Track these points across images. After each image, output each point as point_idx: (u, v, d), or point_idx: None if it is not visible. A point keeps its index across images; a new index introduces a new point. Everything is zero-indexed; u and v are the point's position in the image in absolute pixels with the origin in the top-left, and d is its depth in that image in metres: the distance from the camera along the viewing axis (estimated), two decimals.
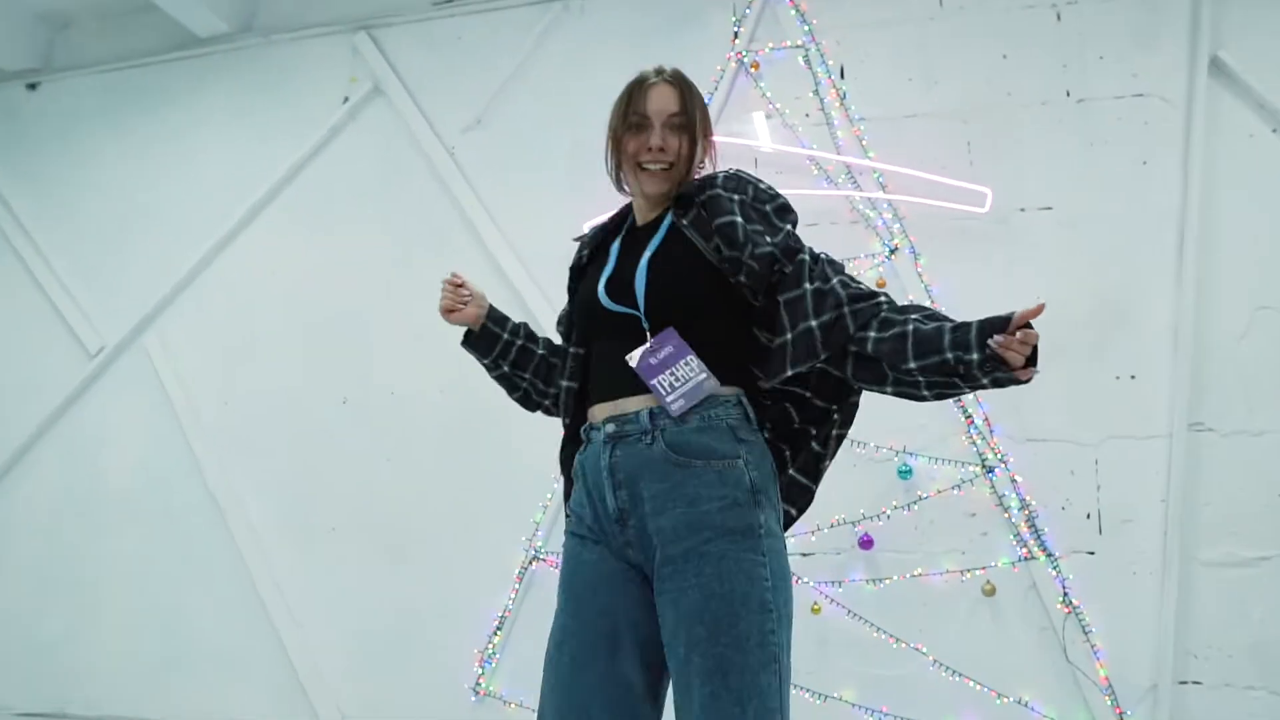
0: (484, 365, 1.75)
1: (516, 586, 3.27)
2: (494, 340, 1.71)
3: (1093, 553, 2.93)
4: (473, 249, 3.60)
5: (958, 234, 3.13)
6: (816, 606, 3.00)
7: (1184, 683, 2.80)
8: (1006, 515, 2.96)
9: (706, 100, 3.32)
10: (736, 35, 3.48)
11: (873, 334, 1.41)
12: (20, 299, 4.05)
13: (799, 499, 1.57)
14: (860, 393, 1.55)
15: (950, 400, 2.72)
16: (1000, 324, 1.32)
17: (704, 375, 1.45)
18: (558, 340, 1.76)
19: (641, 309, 1.48)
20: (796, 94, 3.40)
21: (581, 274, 1.65)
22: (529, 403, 1.78)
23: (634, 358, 1.47)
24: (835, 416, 1.55)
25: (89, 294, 4.00)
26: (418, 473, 3.49)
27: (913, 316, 1.40)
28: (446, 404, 3.51)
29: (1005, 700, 2.86)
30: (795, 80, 3.40)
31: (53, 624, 3.73)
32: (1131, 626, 2.85)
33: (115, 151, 4.08)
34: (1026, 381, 1.34)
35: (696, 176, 1.61)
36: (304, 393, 3.65)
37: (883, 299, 1.45)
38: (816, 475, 1.57)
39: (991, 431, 3.01)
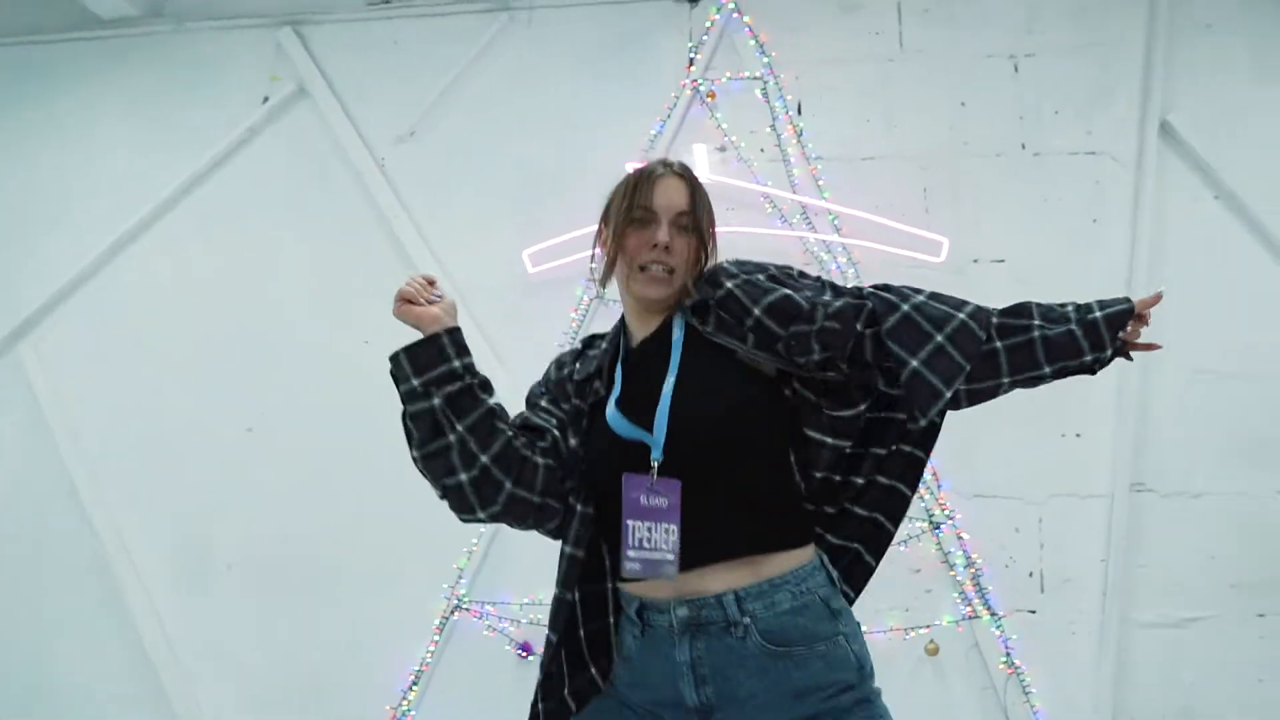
0: (405, 391, 1.35)
1: (436, 638, 3.14)
2: (437, 359, 1.33)
3: (1034, 611, 3.01)
4: (401, 270, 3.47)
5: (914, 282, 3.16)
6: None
7: None
8: (952, 573, 3.02)
9: (658, 128, 3.41)
10: (692, 62, 3.47)
11: (999, 343, 1.37)
12: None
13: (861, 582, 1.45)
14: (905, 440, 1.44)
15: None
16: (1123, 315, 1.37)
17: (672, 558, 1.29)
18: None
19: (660, 440, 1.32)
20: (752, 127, 3.41)
21: (577, 415, 1.46)
22: (451, 481, 1.36)
23: (630, 483, 1.31)
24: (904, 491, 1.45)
25: None
26: (329, 510, 3.31)
27: (1034, 322, 1.38)
28: (364, 437, 3.34)
29: None
30: (752, 113, 3.41)
31: None
32: (1070, 687, 2.94)
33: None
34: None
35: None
36: (205, 417, 3.44)
37: (981, 304, 1.42)
38: (881, 554, 1.45)
39: (940, 486, 3.07)
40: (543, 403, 1.51)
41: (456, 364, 1.35)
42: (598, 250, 1.50)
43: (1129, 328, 1.38)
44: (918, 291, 1.43)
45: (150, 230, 3.63)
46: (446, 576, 3.18)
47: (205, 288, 3.55)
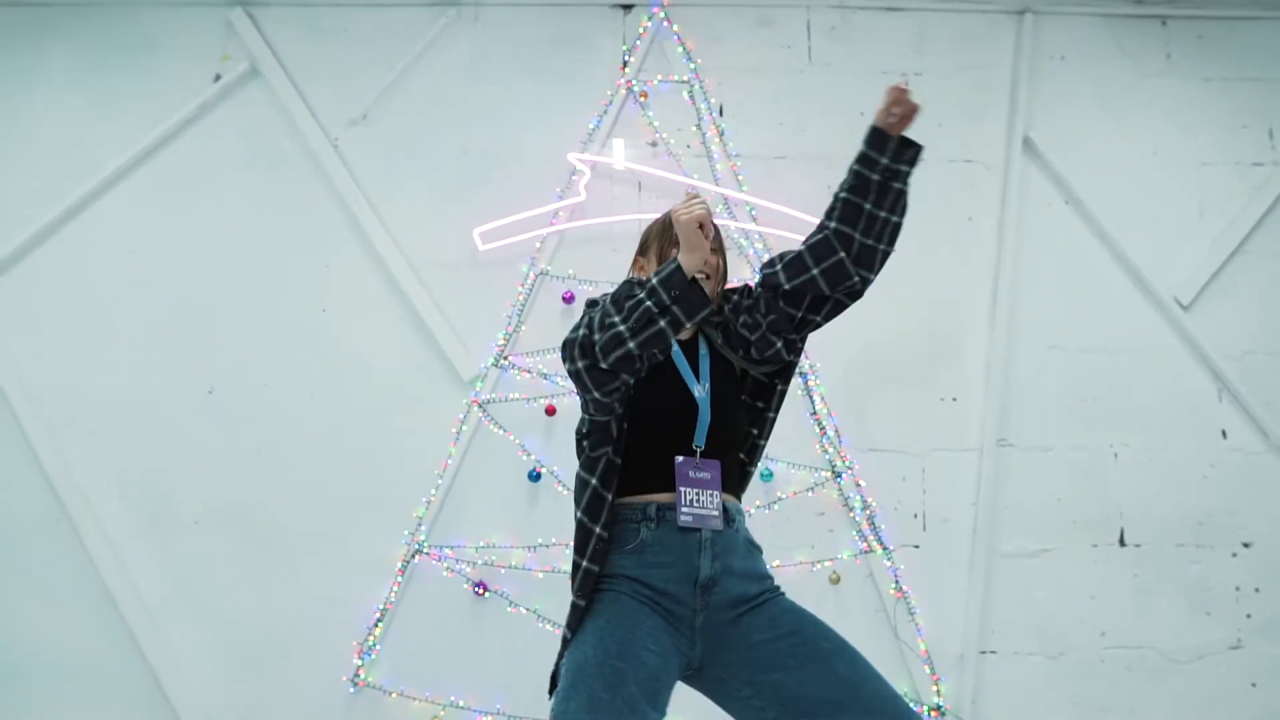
0: (657, 301, 1.72)
1: (399, 580, 3.57)
2: (697, 302, 1.74)
3: (918, 546, 3.69)
4: (355, 245, 3.85)
5: None
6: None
7: (984, 652, 3.60)
8: (850, 514, 3.67)
9: (595, 123, 3.91)
10: (626, 64, 3.98)
11: (830, 222, 1.83)
12: None
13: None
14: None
15: (814, 399, 3.39)
16: (873, 131, 1.80)
17: (718, 514, 1.84)
18: None
19: (702, 438, 1.88)
20: (680, 126, 3.95)
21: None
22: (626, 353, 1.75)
23: (681, 463, 1.84)
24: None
25: None
26: (291, 466, 3.67)
27: (837, 195, 1.84)
28: (322, 397, 3.73)
29: None
30: (680, 113, 3.96)
31: None
32: (947, 607, 3.63)
33: None
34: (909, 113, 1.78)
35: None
36: (164, 382, 3.73)
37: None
38: None
39: (840, 442, 3.70)
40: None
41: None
42: (635, 274, 2.01)
43: (885, 119, 1.78)
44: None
45: (100, 201, 3.87)
46: (406, 524, 3.61)
47: (160, 259, 3.83)
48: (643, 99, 3.95)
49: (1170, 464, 3.77)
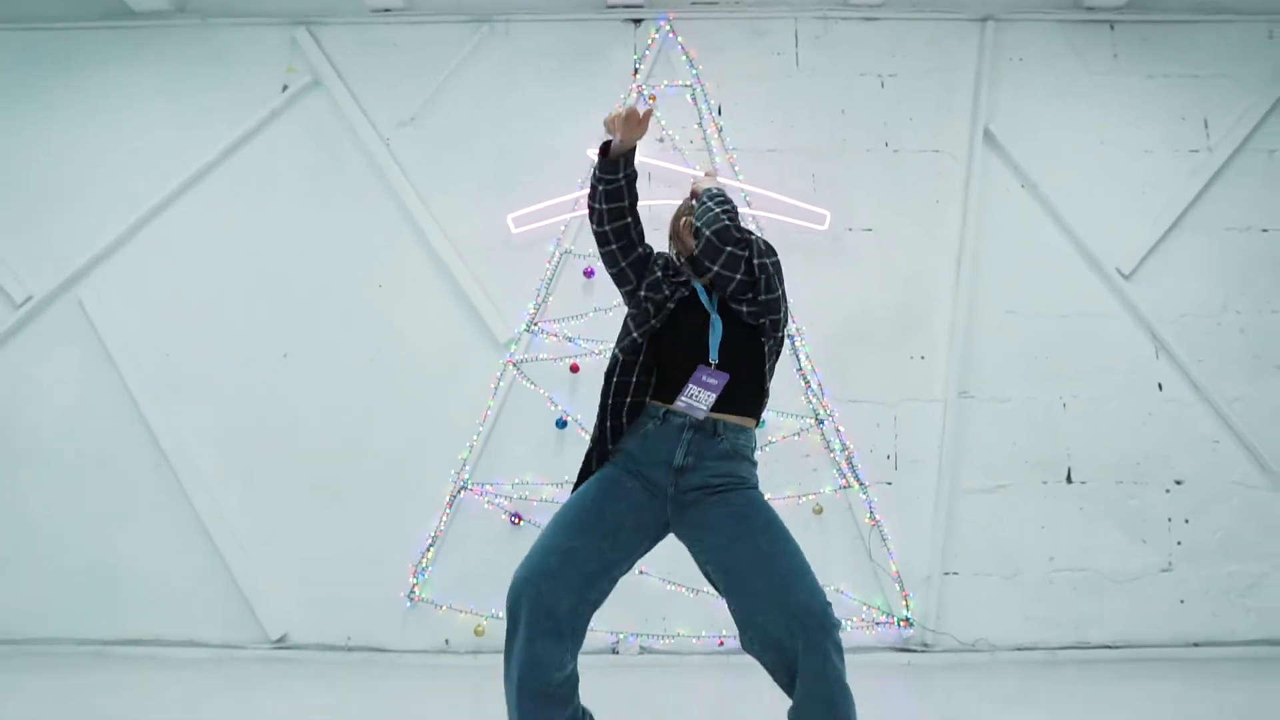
0: (613, 178, 2.42)
1: (448, 511, 4.34)
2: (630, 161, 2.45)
3: (890, 483, 4.41)
4: (406, 229, 4.63)
5: (804, 245, 4.54)
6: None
7: (947, 573, 4.33)
8: (832, 455, 4.40)
9: None
10: (636, 70, 4.73)
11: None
12: None
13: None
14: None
15: (800, 357, 4.09)
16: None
17: (704, 410, 2.37)
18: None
19: (715, 353, 2.45)
20: (684, 124, 4.70)
21: (657, 282, 2.51)
22: (621, 210, 2.44)
23: (700, 370, 2.39)
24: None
25: (10, 245, 4.64)
26: (353, 417, 4.45)
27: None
28: (379, 360, 4.51)
29: (828, 590, 4.27)
30: (684, 113, 4.71)
31: None
32: (915, 536, 4.36)
33: (36, 111, 4.73)
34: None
35: None
36: (244, 348, 4.52)
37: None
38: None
39: (823, 393, 4.44)
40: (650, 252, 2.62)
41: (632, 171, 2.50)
42: (669, 246, 2.73)
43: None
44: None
45: (189, 194, 4.67)
46: (452, 465, 4.38)
47: (239, 244, 4.62)
48: (652, 101, 4.70)
49: (1112, 413, 4.48)
